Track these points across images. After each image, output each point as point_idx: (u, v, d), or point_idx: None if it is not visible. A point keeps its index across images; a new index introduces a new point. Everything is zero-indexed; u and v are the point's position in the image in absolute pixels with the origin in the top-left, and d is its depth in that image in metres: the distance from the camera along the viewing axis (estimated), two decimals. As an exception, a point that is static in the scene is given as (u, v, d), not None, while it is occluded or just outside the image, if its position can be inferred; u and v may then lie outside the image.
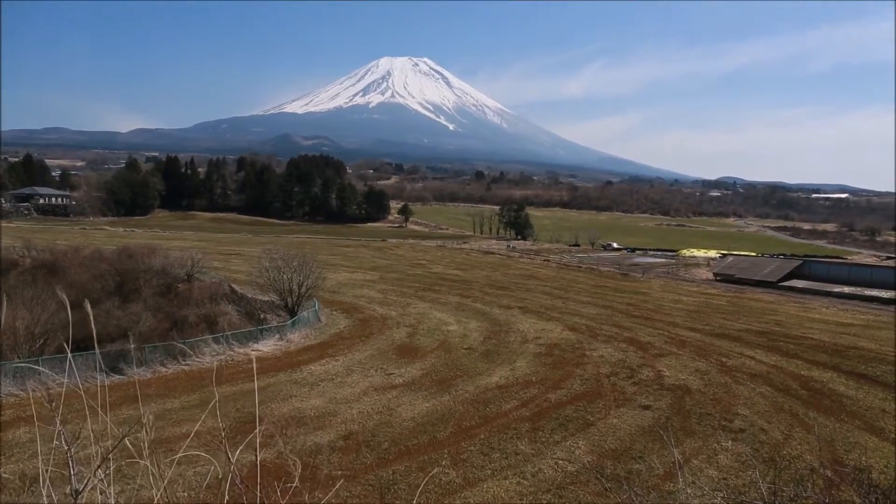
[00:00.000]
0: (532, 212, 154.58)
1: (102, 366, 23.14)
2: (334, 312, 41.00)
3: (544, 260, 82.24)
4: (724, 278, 66.24)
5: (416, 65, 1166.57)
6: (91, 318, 2.57)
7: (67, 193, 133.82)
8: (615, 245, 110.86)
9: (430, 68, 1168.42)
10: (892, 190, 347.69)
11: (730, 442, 19.87)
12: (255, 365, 28.83)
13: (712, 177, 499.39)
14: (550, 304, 47.33)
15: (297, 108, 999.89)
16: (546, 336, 35.75)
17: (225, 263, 60.65)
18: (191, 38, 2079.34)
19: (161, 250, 44.21)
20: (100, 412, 2.43)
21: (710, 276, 69.35)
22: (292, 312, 37.25)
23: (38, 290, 28.97)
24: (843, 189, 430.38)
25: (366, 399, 24.09)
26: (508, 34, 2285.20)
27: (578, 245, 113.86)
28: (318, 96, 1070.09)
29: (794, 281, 61.52)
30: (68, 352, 2.90)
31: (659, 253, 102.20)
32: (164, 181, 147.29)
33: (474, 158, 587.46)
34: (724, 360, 31.22)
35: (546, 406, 23.36)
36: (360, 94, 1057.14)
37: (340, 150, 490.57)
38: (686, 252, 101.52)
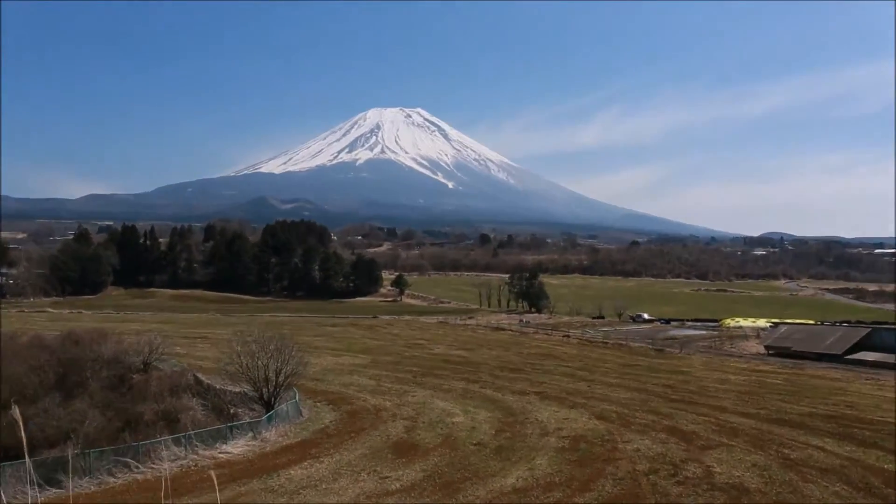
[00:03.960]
0: (547, 280, 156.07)
1: (35, 478, 22.47)
2: (318, 404, 40.51)
3: (563, 336, 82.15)
4: (778, 352, 65.86)
5: (409, 116, 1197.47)
6: (20, 423, 2.57)
7: (4, 271, 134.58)
8: (646, 316, 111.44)
9: (425, 120, 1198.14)
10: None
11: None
12: (215, 479, 28.12)
13: (755, 233, 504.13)
14: (573, 387, 46.82)
15: (273, 167, 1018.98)
16: (570, 427, 35.11)
17: (189, 349, 60.35)
18: (150, 92, 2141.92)
19: (113, 335, 44.10)
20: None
21: (761, 349, 69.09)
22: (268, 405, 36.75)
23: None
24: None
25: (356, 510, 23.41)
26: (512, 81, 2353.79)
27: (603, 317, 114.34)
28: (298, 153, 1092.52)
29: (863, 353, 60.99)
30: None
31: (698, 324, 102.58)
32: (119, 254, 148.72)
33: (478, 220, 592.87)
34: (786, 451, 30.48)
35: (574, 513, 22.65)
36: (346, 150, 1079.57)
37: (324, 214, 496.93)
38: (730, 322, 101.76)
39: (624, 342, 74.49)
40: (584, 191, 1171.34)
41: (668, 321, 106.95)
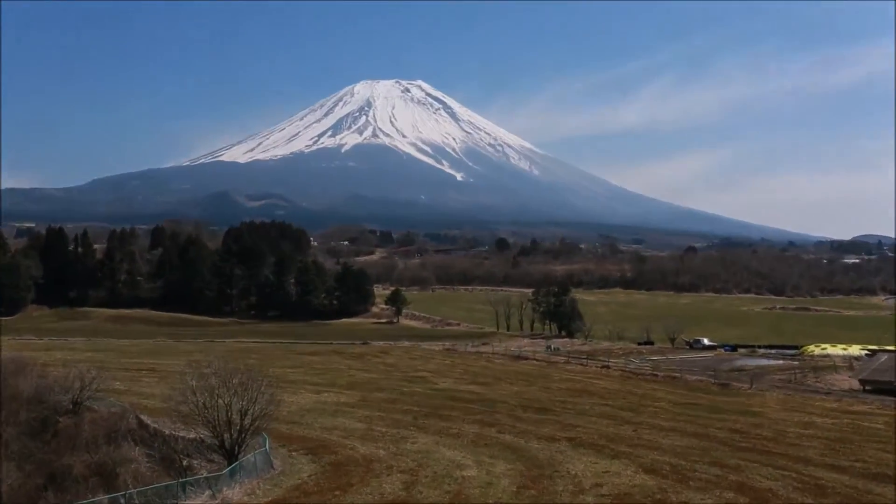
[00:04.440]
0: (581, 296, 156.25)
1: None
2: (294, 453, 40.36)
3: (602, 367, 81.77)
4: (878, 387, 65.36)
5: (407, 90, 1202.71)
6: None
7: None
8: (706, 341, 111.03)
9: (427, 95, 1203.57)
10: None
11: None
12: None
13: (845, 236, 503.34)
14: (614, 432, 46.68)
15: (238, 154, 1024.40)
16: (611, 482, 35.02)
17: (131, 384, 60.31)
18: (83, 60, 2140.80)
19: (34, 367, 44.05)
20: None
21: (855, 384, 68.57)
22: (231, 455, 36.75)
23: None
24: None
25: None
26: (536, 45, 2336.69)
27: (651, 343, 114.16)
28: (269, 137, 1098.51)
29: None
30: None
31: (773, 351, 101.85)
32: (43, 264, 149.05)
33: (494, 220, 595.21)
34: (886, 515, 30.31)
35: None
36: (329, 133, 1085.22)
37: (301, 214, 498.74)
38: (815, 349, 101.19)
39: (678, 375, 74.25)
40: (627, 183, 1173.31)
41: (734, 348, 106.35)
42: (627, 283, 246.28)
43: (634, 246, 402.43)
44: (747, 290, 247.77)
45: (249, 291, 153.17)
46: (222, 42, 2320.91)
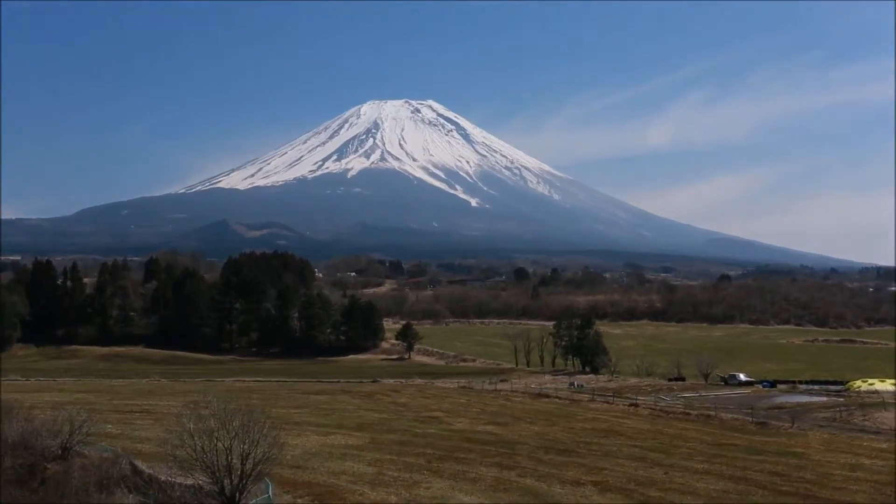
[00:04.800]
0: (606, 328, 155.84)
1: None
2: (299, 501, 40.25)
3: (629, 405, 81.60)
4: (931, 426, 64.29)
5: (417, 111, 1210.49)
6: None
7: None
8: (743, 377, 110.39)
9: (439, 115, 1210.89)
10: None
11: None
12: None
13: (893, 262, 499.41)
14: (644, 475, 46.38)
15: (236, 181, 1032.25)
16: (643, 530, 34.78)
17: (125, 427, 60.42)
18: (70, 80, 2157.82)
19: (20, 410, 43.99)
20: None
21: (906, 422, 67.60)
22: (232, 502, 36.61)
23: None
24: None
25: None
26: (556, 59, 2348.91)
27: (683, 379, 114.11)
28: (270, 163, 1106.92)
29: None
30: None
31: (816, 387, 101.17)
32: (30, 299, 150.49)
33: (511, 249, 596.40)
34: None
35: None
36: (334, 157, 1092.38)
37: (305, 244, 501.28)
38: (861, 384, 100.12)
39: (713, 413, 73.89)
40: (655, 208, 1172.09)
41: (773, 384, 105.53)
42: (656, 315, 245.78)
43: (663, 275, 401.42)
44: (786, 322, 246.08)
45: (250, 327, 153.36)
46: (219, 59, 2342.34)
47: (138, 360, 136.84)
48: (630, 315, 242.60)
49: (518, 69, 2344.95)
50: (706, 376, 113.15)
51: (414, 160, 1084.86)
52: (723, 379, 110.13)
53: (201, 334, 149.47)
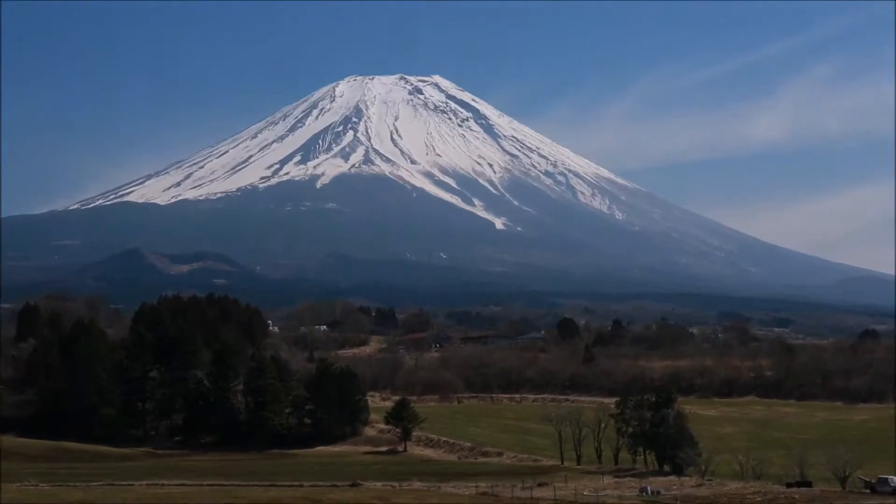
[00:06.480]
0: (694, 408, 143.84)
1: None
2: None
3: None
4: None
5: (418, 91, 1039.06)
6: None
7: None
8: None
9: (448, 98, 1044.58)
10: None
11: None
12: None
13: None
14: None
15: (154, 192, 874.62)
16: None
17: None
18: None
19: None
20: None
21: None
22: None
23: None
24: None
25: None
26: (613, 23, 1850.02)
27: (809, 484, 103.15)
28: (203, 166, 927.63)
29: None
30: None
31: None
32: None
33: (554, 291, 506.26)
34: None
35: None
36: (297, 157, 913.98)
37: (254, 284, 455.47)
38: None
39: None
40: (764, 233, 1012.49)
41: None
42: (767, 390, 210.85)
43: (777, 329, 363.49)
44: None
45: (172, 405, 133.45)
46: (131, 25, 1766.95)
47: (7, 456, 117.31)
48: (729, 389, 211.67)
49: (563, 30, 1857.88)
50: (843, 481, 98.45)
51: (413, 162, 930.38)
52: (868, 485, 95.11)
53: (100, 417, 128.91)
